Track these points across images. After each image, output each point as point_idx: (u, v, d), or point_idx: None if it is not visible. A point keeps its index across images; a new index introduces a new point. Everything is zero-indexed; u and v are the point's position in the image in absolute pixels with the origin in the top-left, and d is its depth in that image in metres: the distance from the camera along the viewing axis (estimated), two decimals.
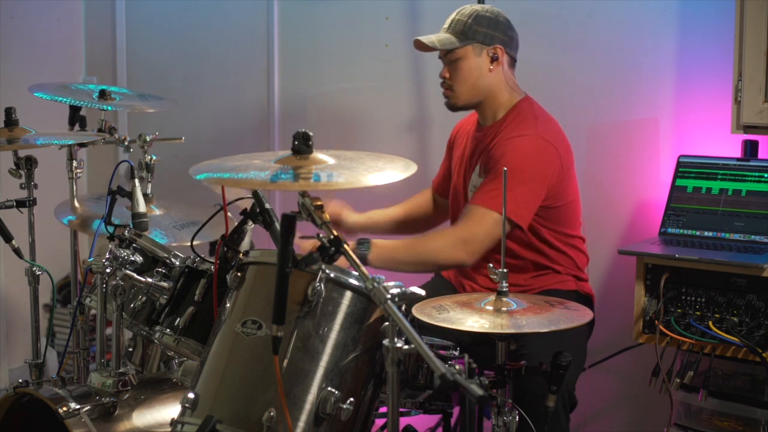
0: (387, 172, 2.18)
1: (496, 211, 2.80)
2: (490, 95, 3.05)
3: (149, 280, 2.64)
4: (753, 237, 2.91)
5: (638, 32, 3.46)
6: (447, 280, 3.27)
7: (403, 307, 2.09)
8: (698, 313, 2.77)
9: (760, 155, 3.07)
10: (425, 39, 3.03)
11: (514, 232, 2.90)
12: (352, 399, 2.17)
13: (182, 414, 2.19)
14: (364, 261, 2.77)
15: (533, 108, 3.05)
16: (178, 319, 2.59)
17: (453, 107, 3.09)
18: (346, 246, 2.03)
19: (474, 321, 2.29)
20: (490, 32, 3.01)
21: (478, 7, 3.05)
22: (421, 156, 3.78)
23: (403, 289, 2.06)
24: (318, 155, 2.17)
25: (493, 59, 3.02)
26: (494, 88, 3.04)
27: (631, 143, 3.44)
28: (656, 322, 2.80)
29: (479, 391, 1.83)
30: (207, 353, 2.27)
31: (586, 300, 3.13)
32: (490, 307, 2.36)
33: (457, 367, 1.95)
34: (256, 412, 2.10)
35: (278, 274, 1.98)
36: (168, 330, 2.60)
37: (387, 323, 2.01)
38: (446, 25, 3.06)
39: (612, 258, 3.45)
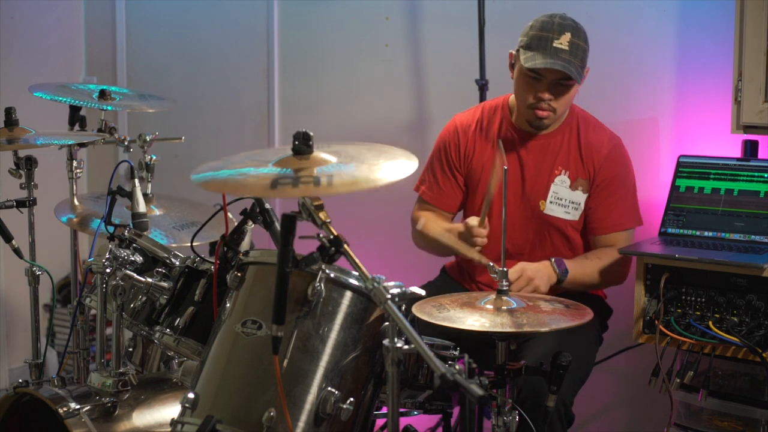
0: (387, 171, 2.15)
1: (630, 227, 3.06)
2: None
3: (149, 280, 2.64)
4: (753, 237, 2.91)
5: (638, 32, 3.46)
6: (452, 279, 3.26)
7: (404, 307, 2.09)
8: (698, 313, 2.77)
9: (760, 155, 3.07)
10: (565, 68, 2.84)
11: (576, 237, 3.08)
12: (352, 399, 2.17)
13: (182, 414, 2.19)
14: (560, 282, 2.90)
15: (586, 111, 3.13)
16: (178, 319, 2.59)
17: (546, 127, 3.01)
18: (346, 246, 2.03)
19: (474, 320, 2.29)
20: (587, 57, 2.97)
21: (579, 26, 2.92)
22: (421, 156, 3.76)
23: (403, 289, 2.06)
24: (318, 155, 2.17)
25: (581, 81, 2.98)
26: None
27: (631, 143, 3.43)
28: (656, 322, 2.80)
29: (479, 391, 1.83)
30: (207, 353, 2.27)
31: (607, 309, 3.15)
32: (490, 306, 2.36)
33: (457, 367, 1.95)
34: (256, 412, 2.10)
35: (278, 274, 1.98)
36: (168, 330, 2.60)
37: (387, 323, 2.02)
38: (564, 46, 2.86)
39: None
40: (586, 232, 3.09)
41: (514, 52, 3.00)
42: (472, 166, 3.13)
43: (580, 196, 3.03)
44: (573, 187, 3.02)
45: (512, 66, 3.02)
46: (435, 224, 3.09)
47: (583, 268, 2.95)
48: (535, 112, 2.94)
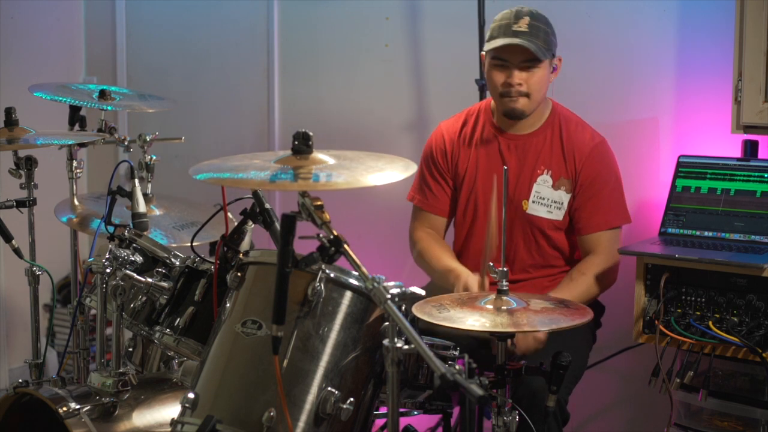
0: (387, 172, 2.18)
1: (617, 226, 3.05)
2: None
3: (149, 280, 2.64)
4: (753, 237, 2.91)
5: (638, 32, 3.46)
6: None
7: (404, 307, 2.09)
8: (698, 313, 2.77)
9: (760, 155, 3.07)
10: (525, 44, 2.88)
11: (559, 236, 3.06)
12: (352, 399, 2.17)
13: (182, 414, 2.19)
14: None
15: (568, 110, 3.12)
16: (178, 319, 2.59)
17: (522, 115, 2.99)
18: (346, 246, 2.03)
19: (474, 320, 2.29)
20: (555, 42, 2.99)
21: (541, 14, 2.97)
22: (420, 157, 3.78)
23: (403, 289, 2.06)
24: (318, 155, 2.17)
25: (553, 69, 3.01)
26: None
27: (631, 143, 3.44)
28: (656, 322, 2.80)
29: (479, 391, 1.84)
30: (207, 353, 2.28)
31: (600, 307, 3.14)
32: (490, 306, 2.36)
33: (457, 367, 1.95)
34: (256, 412, 2.10)
35: (278, 274, 1.98)
36: (168, 330, 2.60)
37: (387, 323, 2.02)
38: (523, 29, 2.90)
39: None
40: (571, 232, 3.09)
41: (484, 53, 3.05)
42: (458, 170, 3.16)
43: (563, 196, 3.03)
44: (555, 186, 3.03)
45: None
46: (434, 254, 3.11)
47: (571, 291, 2.92)
48: (507, 100, 2.97)
